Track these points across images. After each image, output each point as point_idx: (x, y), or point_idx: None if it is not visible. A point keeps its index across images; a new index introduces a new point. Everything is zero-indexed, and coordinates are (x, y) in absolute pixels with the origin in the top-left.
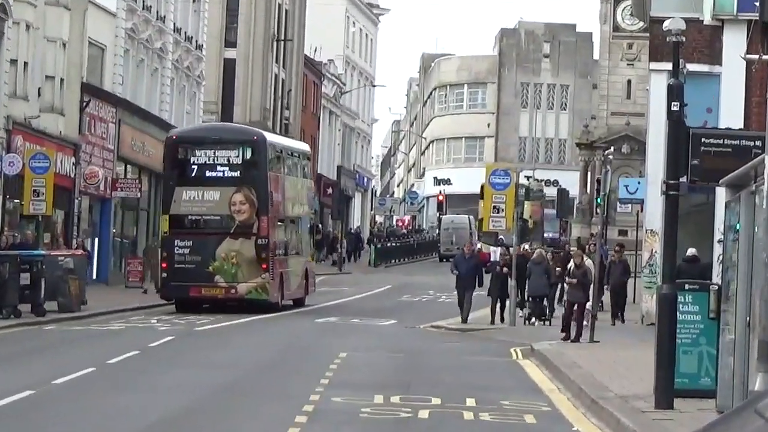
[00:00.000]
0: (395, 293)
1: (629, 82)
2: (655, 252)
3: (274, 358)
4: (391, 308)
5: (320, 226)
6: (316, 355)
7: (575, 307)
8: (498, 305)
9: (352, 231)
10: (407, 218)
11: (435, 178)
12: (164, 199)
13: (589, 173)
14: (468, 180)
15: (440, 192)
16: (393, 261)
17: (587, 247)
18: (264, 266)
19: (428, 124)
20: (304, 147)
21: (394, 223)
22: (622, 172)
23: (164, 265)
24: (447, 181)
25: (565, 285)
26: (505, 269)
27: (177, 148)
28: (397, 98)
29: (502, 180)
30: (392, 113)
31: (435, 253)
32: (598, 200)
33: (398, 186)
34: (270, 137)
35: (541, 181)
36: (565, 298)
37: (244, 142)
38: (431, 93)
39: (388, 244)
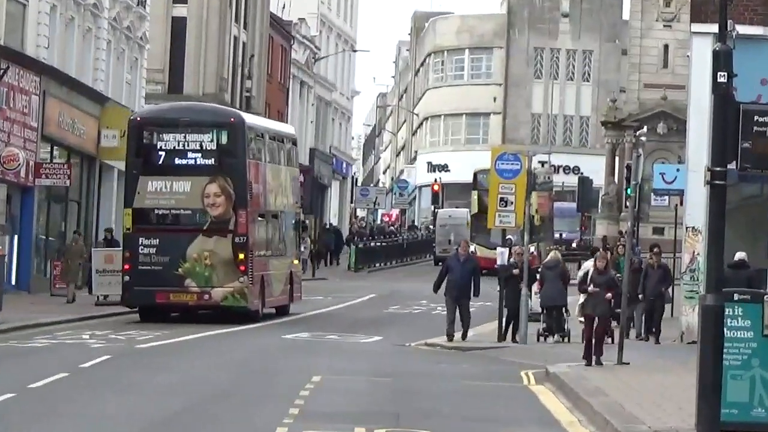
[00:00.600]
0: (380, 303)
1: (666, 47)
2: (698, 254)
3: (231, 382)
4: (376, 322)
5: (307, 222)
6: (284, 378)
7: (595, 323)
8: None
9: (329, 227)
10: (395, 212)
11: (429, 163)
12: (126, 190)
13: (617, 158)
14: (469, 166)
15: (436, 180)
16: (378, 264)
17: (615, 248)
18: (242, 268)
19: (421, 97)
20: (289, 130)
21: (379, 218)
22: (657, 157)
23: (127, 267)
24: (444, 168)
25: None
26: (515, 271)
27: (141, 131)
28: (383, 66)
29: (512, 166)
30: (377, 84)
31: (429, 254)
32: (628, 191)
33: (384, 173)
34: (249, 119)
35: (558, 167)
36: (578, 311)
37: (219, 125)
38: (425, 60)
39: (372, 244)
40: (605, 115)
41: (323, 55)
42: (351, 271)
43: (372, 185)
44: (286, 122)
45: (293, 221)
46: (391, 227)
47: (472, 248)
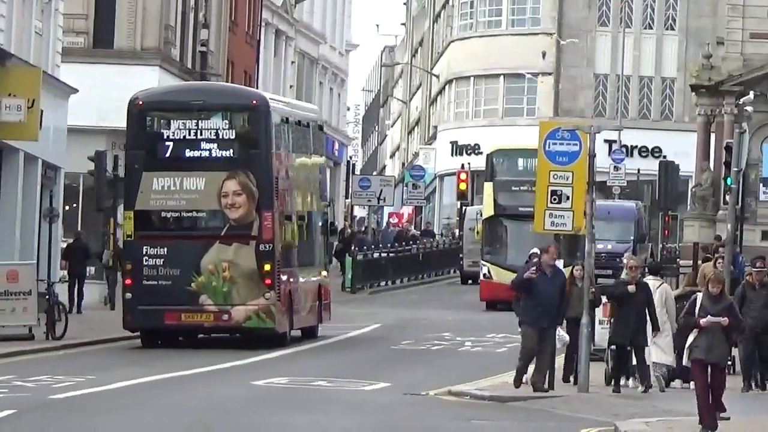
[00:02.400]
0: (387, 336)
1: None
2: None
3: None
4: (382, 362)
5: (336, 223)
6: None
7: (709, 370)
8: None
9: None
10: (407, 211)
11: (454, 143)
12: (127, 189)
13: (712, 136)
14: None
15: (463, 167)
16: (383, 283)
17: (714, 260)
18: (268, 282)
19: (443, 52)
20: (314, 112)
21: (385, 219)
22: (767, 135)
23: (128, 281)
24: (474, 149)
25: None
26: (630, 288)
27: (144, 117)
28: (390, 9)
29: (567, 147)
30: (382, 35)
31: (454, 269)
32: (728, 181)
33: (392, 157)
34: (273, 101)
35: (631, 148)
36: (687, 355)
37: (238, 108)
38: (448, 0)
39: (376, 255)
40: (696, 76)
41: None
42: (346, 292)
43: (375, 173)
44: (256, 87)
45: (320, 223)
46: (414, 232)
47: (485, 270)
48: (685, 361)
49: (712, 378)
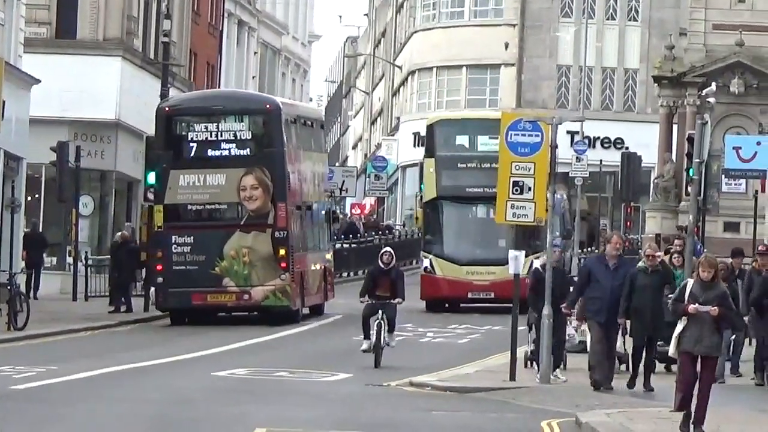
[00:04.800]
0: (349, 328)
1: None
2: None
3: None
4: (343, 353)
5: (337, 211)
6: None
7: (698, 364)
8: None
9: None
10: (369, 202)
11: (417, 134)
12: (156, 185)
13: (675, 127)
14: None
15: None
16: (345, 274)
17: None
18: (283, 265)
19: (405, 43)
20: (318, 112)
21: (348, 209)
22: (730, 126)
23: (159, 267)
24: None
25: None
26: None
27: (171, 121)
28: (352, 0)
29: (530, 138)
30: (345, 25)
31: (416, 260)
32: (690, 172)
33: (354, 148)
34: (284, 104)
35: (594, 139)
36: (672, 345)
37: (253, 112)
38: None
39: (338, 246)
40: (659, 67)
41: None
42: None
43: (337, 165)
44: (219, 78)
45: (324, 212)
46: (387, 223)
47: (426, 263)
48: (672, 351)
49: (701, 370)
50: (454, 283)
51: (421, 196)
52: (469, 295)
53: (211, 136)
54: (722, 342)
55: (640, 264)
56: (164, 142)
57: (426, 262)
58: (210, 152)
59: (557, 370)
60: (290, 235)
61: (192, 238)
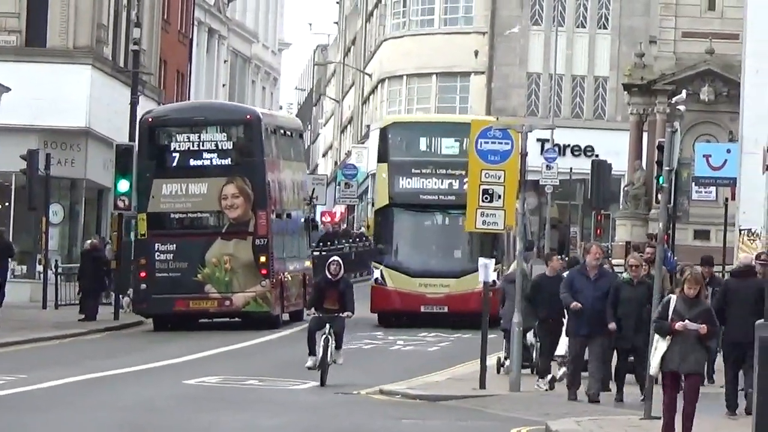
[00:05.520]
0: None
1: None
2: None
3: None
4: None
5: (316, 218)
6: None
7: (683, 381)
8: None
9: None
10: (339, 210)
11: None
12: (139, 194)
13: (645, 135)
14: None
15: None
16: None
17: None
18: (264, 272)
19: (375, 51)
20: (296, 122)
21: (318, 217)
22: (700, 133)
23: (143, 274)
24: None
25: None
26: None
27: (154, 131)
28: (322, 8)
29: (499, 145)
30: (315, 33)
31: None
32: (660, 180)
33: (324, 156)
34: (264, 115)
35: (564, 147)
36: (655, 364)
37: (234, 122)
38: None
39: (316, 254)
40: (629, 75)
41: None
42: None
43: (308, 172)
44: (189, 87)
45: (302, 219)
46: (361, 230)
47: (377, 274)
48: (653, 370)
49: (687, 388)
50: (406, 295)
51: (374, 203)
52: (423, 309)
53: (193, 146)
54: (706, 358)
55: (624, 275)
56: (147, 152)
57: (377, 273)
58: (192, 162)
59: (541, 380)
60: (270, 242)
61: (175, 245)
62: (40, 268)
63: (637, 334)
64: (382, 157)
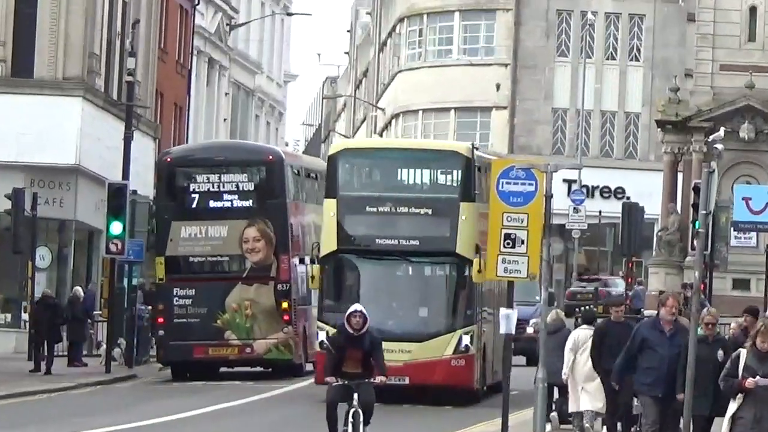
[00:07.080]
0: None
1: (753, 10)
2: None
3: None
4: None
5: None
6: None
7: None
8: None
9: None
10: None
11: None
12: (158, 237)
13: (680, 176)
14: None
15: None
16: None
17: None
18: (286, 318)
19: (389, 84)
20: (322, 164)
21: None
22: (739, 174)
23: (161, 320)
24: None
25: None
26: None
27: (173, 172)
28: (332, 38)
29: (522, 186)
30: (324, 64)
31: None
32: (696, 225)
33: None
34: (287, 156)
35: (592, 188)
36: (728, 428)
37: (257, 163)
38: (395, 27)
39: None
40: (662, 111)
41: (243, 20)
42: None
43: None
44: (187, 121)
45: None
46: None
47: (322, 337)
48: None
49: None
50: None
51: (319, 249)
52: None
53: (213, 188)
54: None
55: (700, 332)
56: (166, 193)
57: (322, 336)
58: (212, 203)
59: None
60: (293, 287)
61: (193, 290)
62: (25, 316)
63: (717, 400)
64: (330, 191)
